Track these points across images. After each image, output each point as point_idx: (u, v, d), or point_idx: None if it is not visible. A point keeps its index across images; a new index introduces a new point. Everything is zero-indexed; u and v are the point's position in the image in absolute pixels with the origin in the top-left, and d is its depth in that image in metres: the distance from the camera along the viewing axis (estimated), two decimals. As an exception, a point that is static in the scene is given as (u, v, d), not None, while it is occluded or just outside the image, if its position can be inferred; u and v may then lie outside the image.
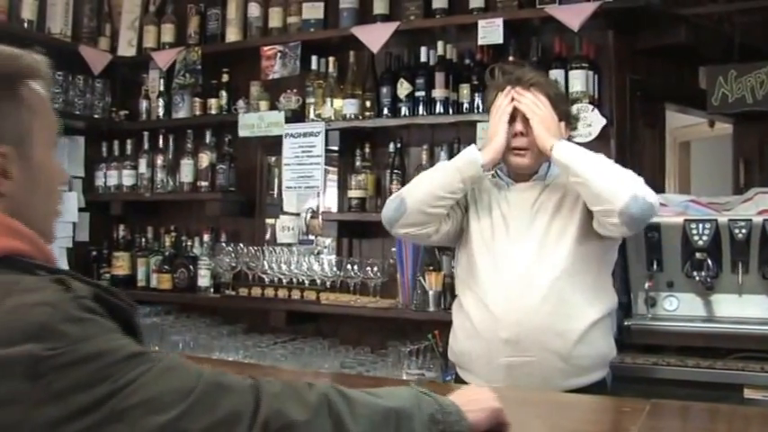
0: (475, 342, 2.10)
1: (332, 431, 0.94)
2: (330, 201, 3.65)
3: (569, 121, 2.25)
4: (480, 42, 3.14)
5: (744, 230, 2.64)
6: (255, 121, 3.63)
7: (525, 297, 2.04)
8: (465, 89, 3.22)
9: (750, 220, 2.66)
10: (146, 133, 3.96)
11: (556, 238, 2.08)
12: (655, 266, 2.80)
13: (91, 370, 0.80)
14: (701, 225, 2.71)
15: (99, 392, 0.80)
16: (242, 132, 3.65)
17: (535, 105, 2.11)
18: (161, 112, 3.97)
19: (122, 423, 0.80)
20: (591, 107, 2.93)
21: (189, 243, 3.87)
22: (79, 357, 0.80)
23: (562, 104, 2.21)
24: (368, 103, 3.41)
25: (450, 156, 3.28)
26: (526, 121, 2.12)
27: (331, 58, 3.53)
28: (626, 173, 2.03)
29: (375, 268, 3.27)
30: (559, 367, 2.02)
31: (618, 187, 1.96)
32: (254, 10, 3.78)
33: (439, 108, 3.25)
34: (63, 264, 3.57)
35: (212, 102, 3.84)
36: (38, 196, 1.01)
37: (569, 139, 2.22)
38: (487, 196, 2.22)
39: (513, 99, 2.14)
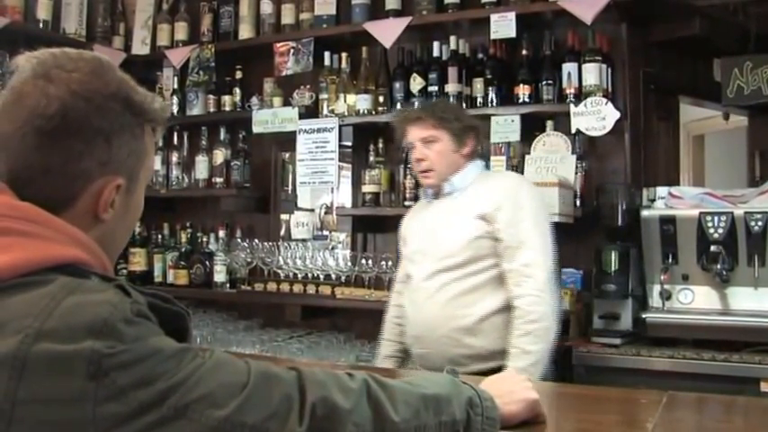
0: (407, 335, 2.50)
1: (372, 417, 0.96)
2: (344, 196, 3.67)
3: (467, 133, 2.43)
4: (493, 36, 3.14)
5: (760, 223, 2.63)
6: (269, 118, 3.65)
7: (421, 299, 2.39)
8: (478, 83, 3.22)
9: (766, 212, 2.64)
10: (160, 130, 3.98)
11: (450, 245, 2.35)
12: (670, 259, 2.80)
13: (148, 367, 0.82)
14: (716, 218, 2.70)
15: (159, 388, 0.82)
16: (256, 129, 3.67)
17: None
18: (175, 109, 3.99)
19: (185, 419, 0.83)
20: (604, 100, 2.93)
21: (204, 239, 3.90)
22: (137, 356, 0.82)
23: (454, 122, 2.42)
24: (381, 99, 3.42)
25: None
26: (424, 145, 2.42)
27: (344, 54, 3.54)
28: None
29: (389, 262, 3.27)
30: (451, 356, 2.28)
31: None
32: (267, 7, 3.79)
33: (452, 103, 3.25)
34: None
35: (226, 99, 3.86)
36: (123, 228, 1.05)
37: (475, 148, 2.47)
38: (417, 215, 2.58)
39: None
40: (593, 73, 3.00)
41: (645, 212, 2.86)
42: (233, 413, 0.85)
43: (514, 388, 1.23)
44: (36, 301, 0.82)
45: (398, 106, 3.35)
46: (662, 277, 2.78)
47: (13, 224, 0.88)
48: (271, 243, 3.59)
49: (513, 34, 3.09)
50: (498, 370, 2.16)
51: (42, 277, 0.85)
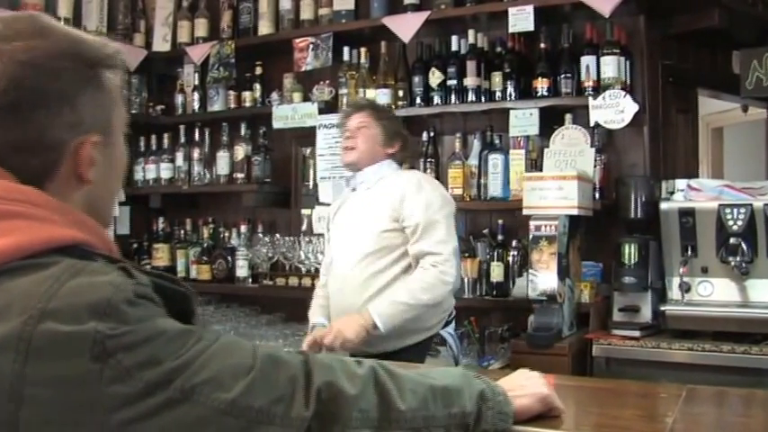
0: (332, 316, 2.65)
1: (378, 404, 0.96)
2: (364, 190, 3.69)
3: (396, 136, 2.69)
4: (511, 30, 3.15)
5: (780, 215, 2.63)
6: (289, 113, 3.68)
7: (344, 288, 2.58)
8: (497, 77, 3.24)
9: (786, 204, 2.64)
10: (182, 127, 4.04)
11: (365, 234, 2.56)
12: (689, 252, 2.80)
13: (153, 348, 0.82)
14: (735, 210, 2.70)
15: (165, 369, 0.81)
16: (276, 124, 3.70)
17: None
18: (196, 105, 4.04)
19: (192, 402, 0.82)
20: (623, 93, 2.94)
21: (226, 234, 3.95)
22: (141, 337, 0.82)
23: (386, 120, 2.70)
24: (400, 93, 3.45)
25: (483, 144, 3.31)
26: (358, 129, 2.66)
27: (363, 49, 3.57)
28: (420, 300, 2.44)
29: (409, 256, 3.30)
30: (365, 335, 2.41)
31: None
32: (286, 2, 3.82)
33: (471, 96, 3.27)
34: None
35: (246, 94, 3.90)
36: (112, 181, 1.04)
37: (399, 154, 2.72)
38: (341, 207, 2.78)
39: None
40: (611, 66, 3.00)
41: (664, 205, 2.86)
42: (239, 396, 0.84)
43: (526, 383, 1.23)
44: (40, 282, 0.82)
45: (418, 100, 3.38)
46: (681, 270, 2.79)
47: (15, 207, 0.87)
48: (292, 238, 3.63)
49: (531, 27, 3.10)
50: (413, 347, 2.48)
51: (47, 259, 0.85)
